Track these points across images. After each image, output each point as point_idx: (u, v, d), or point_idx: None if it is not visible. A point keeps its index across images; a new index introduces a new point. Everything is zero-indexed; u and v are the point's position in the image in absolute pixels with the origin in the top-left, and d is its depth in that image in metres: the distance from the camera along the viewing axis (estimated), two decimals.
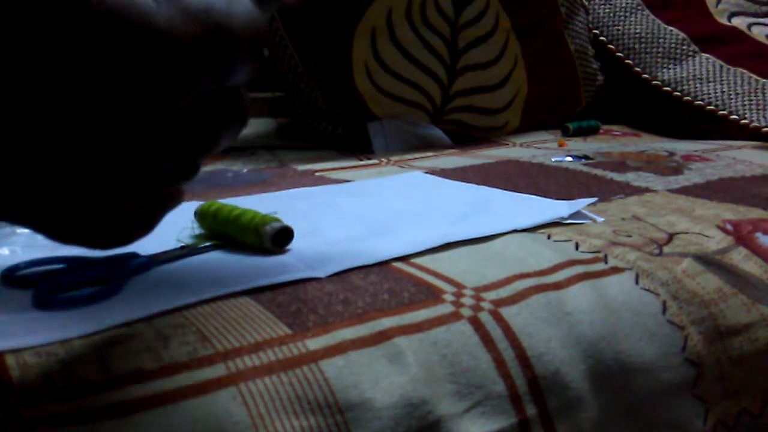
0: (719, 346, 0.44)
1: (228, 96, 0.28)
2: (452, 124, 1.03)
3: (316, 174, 0.78)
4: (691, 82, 1.08)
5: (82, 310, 0.37)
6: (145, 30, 0.23)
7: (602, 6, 1.21)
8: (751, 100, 1.03)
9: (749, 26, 1.16)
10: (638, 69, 1.13)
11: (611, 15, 1.19)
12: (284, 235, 0.46)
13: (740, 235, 0.53)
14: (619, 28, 1.18)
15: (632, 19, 1.17)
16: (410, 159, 0.88)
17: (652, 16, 1.17)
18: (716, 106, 1.04)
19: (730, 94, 1.04)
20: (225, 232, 0.48)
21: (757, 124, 1.00)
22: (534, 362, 0.39)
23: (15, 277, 0.41)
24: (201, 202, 0.50)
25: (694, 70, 1.09)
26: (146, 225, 0.31)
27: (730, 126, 1.02)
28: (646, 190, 0.65)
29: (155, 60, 0.24)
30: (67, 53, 0.22)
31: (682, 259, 0.48)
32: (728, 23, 1.16)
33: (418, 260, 0.45)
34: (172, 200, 0.32)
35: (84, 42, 0.22)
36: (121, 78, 0.23)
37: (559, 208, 0.56)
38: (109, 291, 0.39)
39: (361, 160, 0.90)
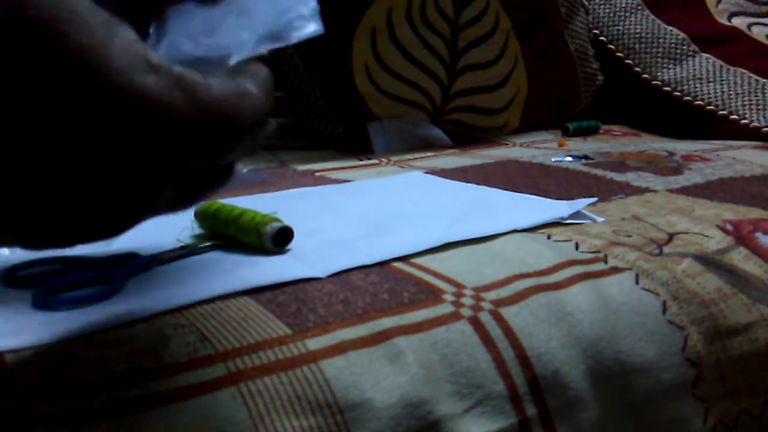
0: (719, 346, 0.44)
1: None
2: (452, 124, 1.03)
3: (316, 174, 0.78)
4: (691, 82, 1.08)
5: (82, 310, 0.37)
6: (155, 118, 0.24)
7: (602, 6, 1.21)
8: (751, 100, 1.03)
9: (749, 26, 1.16)
10: (638, 69, 1.13)
11: (611, 15, 1.19)
12: (284, 235, 0.46)
13: (740, 235, 0.53)
14: (619, 28, 1.17)
15: (632, 19, 1.17)
16: (410, 159, 0.88)
17: (652, 16, 1.17)
18: (716, 106, 1.04)
19: (730, 94, 1.04)
20: (225, 232, 0.48)
21: (757, 124, 1.00)
22: (534, 362, 0.39)
23: (15, 277, 0.41)
24: (201, 202, 0.50)
25: (694, 70, 1.09)
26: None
27: (730, 126, 1.02)
28: (646, 190, 0.65)
29: (159, 144, 0.24)
30: (77, 128, 0.23)
31: (682, 259, 0.48)
32: (728, 23, 1.16)
33: (418, 260, 0.45)
34: None
35: (95, 120, 0.23)
36: (122, 155, 0.24)
37: (559, 208, 0.56)
38: (109, 291, 0.39)
39: (361, 160, 0.90)
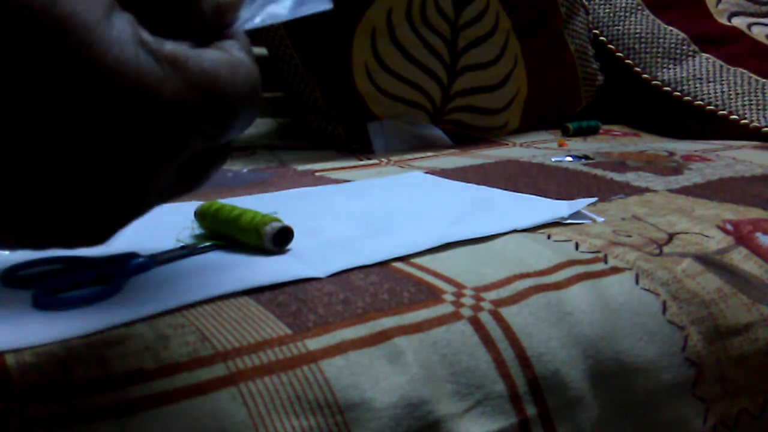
0: (719, 346, 0.44)
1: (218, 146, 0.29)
2: (452, 124, 1.03)
3: (316, 174, 0.78)
4: (691, 82, 1.08)
5: (82, 310, 0.37)
6: (149, 99, 0.23)
7: (602, 6, 1.21)
8: (751, 100, 1.03)
9: (749, 26, 1.16)
10: (638, 69, 1.13)
11: (611, 15, 1.19)
12: (284, 235, 0.46)
13: (740, 235, 0.53)
14: (619, 28, 1.18)
15: (632, 19, 1.17)
16: (410, 159, 0.88)
17: (652, 16, 1.17)
18: (716, 106, 1.04)
19: (730, 94, 1.04)
20: (225, 232, 0.48)
21: (757, 124, 1.00)
22: (534, 362, 0.39)
23: (15, 277, 0.41)
24: (201, 202, 0.50)
25: (694, 70, 1.09)
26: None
27: (730, 126, 1.02)
28: (646, 190, 0.65)
29: (155, 127, 0.24)
30: (69, 111, 0.23)
31: (682, 259, 0.48)
32: (728, 23, 1.16)
33: (418, 260, 0.45)
34: None
35: (87, 103, 0.23)
36: (119, 139, 0.24)
37: (559, 208, 0.56)
38: (109, 291, 0.39)
39: (361, 160, 0.90)
